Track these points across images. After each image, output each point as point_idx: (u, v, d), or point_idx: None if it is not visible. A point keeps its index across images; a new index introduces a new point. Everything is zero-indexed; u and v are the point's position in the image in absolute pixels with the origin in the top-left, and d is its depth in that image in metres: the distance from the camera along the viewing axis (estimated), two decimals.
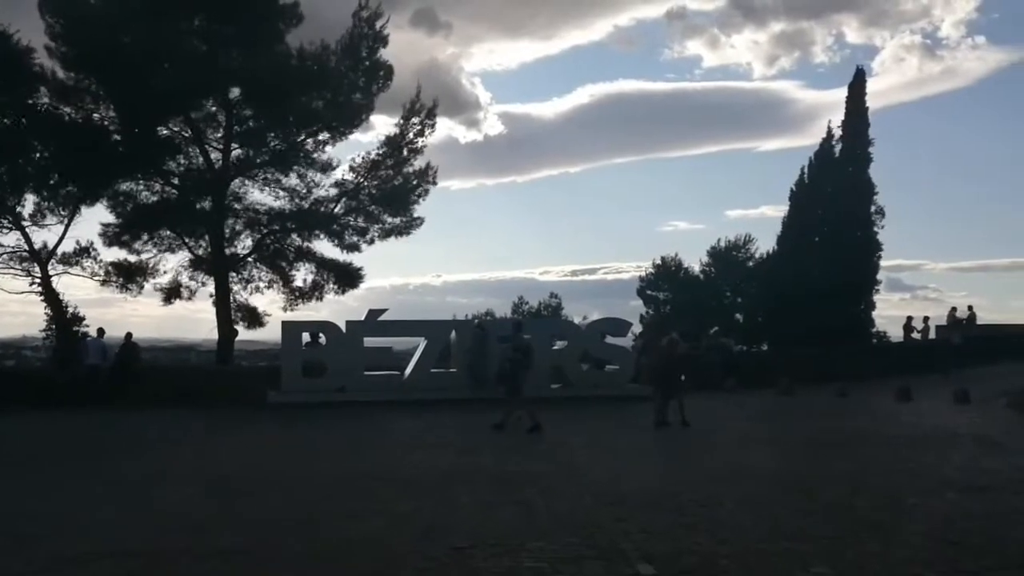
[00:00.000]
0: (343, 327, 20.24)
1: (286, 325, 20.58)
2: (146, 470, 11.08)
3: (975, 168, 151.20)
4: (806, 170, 33.32)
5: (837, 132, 33.04)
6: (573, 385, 20.61)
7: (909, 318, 28.08)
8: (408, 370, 20.52)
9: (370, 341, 20.51)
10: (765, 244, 37.84)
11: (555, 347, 21.23)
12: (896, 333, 32.48)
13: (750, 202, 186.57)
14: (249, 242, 27.86)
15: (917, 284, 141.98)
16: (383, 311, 20.53)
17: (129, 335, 22.06)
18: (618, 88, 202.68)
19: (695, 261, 40.02)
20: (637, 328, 28.26)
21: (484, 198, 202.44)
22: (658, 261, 41.12)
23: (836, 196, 32.00)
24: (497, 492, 8.86)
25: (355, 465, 11.01)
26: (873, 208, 32.73)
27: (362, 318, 20.73)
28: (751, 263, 38.74)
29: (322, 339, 20.32)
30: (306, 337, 20.48)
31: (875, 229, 32.71)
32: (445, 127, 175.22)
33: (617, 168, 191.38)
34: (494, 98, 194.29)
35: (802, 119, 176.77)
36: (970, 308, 28.34)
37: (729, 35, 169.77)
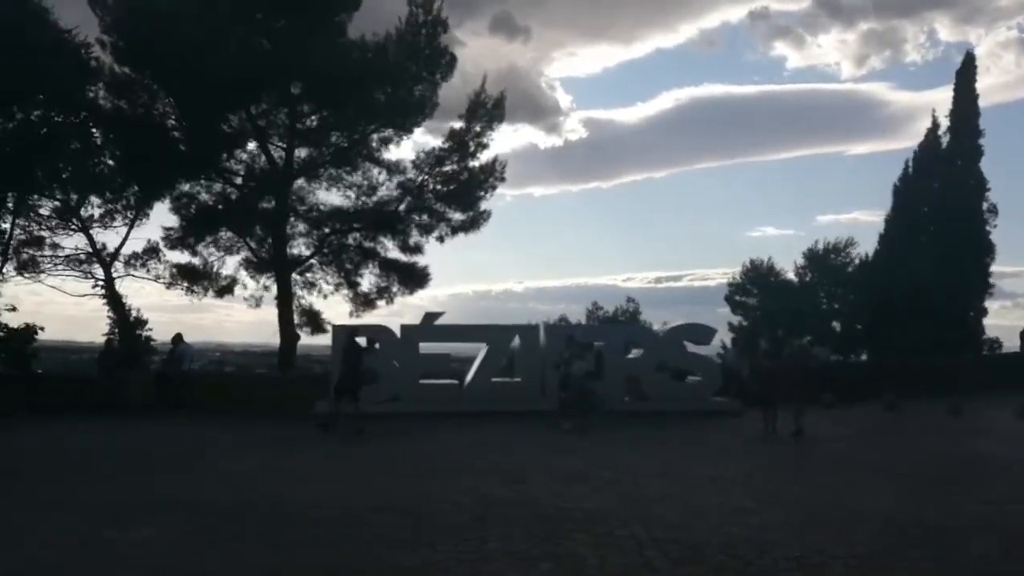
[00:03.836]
0: (398, 331, 18.75)
1: (336, 329, 19.23)
2: (123, 496, 9.34)
3: None
4: (911, 164, 30.75)
5: (944, 123, 30.47)
6: (648, 398, 18.67)
7: None
8: (467, 379, 18.93)
9: (426, 347, 18.99)
10: (860, 249, 35.54)
11: (630, 356, 19.37)
12: (1009, 343, 29.87)
13: (842, 207, 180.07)
14: (312, 242, 26.82)
15: (1019, 291, 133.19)
16: (440, 314, 18.92)
17: (179, 336, 21.06)
18: (703, 91, 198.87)
19: (788, 265, 37.85)
20: (721, 336, 26.18)
21: (567, 204, 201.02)
22: (747, 265, 39.09)
23: (944, 192, 29.38)
24: (538, 538, 7.03)
25: (377, 492, 9.32)
26: (985, 205, 29.98)
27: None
28: (850, 268, 36.24)
29: (375, 344, 18.82)
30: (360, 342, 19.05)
31: (987, 228, 30.00)
32: (526, 133, 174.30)
33: (703, 173, 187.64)
34: (575, 103, 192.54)
35: (894, 122, 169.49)
36: None
37: (815, 35, 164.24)
